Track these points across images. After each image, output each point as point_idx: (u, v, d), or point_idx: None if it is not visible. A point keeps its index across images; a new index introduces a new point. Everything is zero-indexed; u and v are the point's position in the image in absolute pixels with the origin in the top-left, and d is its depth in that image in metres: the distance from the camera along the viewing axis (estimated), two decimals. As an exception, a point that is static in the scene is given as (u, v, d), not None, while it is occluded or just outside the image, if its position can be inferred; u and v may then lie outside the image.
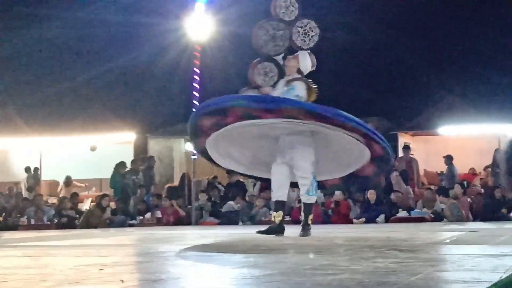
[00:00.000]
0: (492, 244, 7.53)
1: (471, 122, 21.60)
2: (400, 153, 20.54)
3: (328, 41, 25.11)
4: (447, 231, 11.26)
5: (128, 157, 21.96)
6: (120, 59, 25.41)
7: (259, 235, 9.56)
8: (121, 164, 20.66)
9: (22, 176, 23.62)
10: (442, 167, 21.25)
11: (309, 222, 9.76)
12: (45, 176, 23.32)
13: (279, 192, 9.53)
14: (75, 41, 26.85)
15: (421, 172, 20.68)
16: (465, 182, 19.37)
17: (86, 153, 23.25)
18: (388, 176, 18.39)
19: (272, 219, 9.75)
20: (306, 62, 9.63)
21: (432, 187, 18.77)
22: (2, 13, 25.96)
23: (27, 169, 22.41)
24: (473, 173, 20.27)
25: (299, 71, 9.60)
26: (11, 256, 7.57)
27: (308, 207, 9.74)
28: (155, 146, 23.35)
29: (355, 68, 26.58)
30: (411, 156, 19.70)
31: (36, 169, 22.41)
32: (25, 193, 21.72)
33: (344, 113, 8.94)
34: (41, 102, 24.70)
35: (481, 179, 19.37)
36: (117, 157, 21.10)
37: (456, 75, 24.85)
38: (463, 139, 21.98)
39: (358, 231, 12.30)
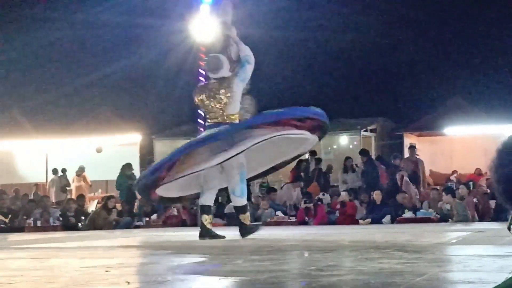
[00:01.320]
0: (498, 244, 7.52)
1: (477, 123, 21.57)
2: (406, 154, 20.52)
3: (334, 42, 25.21)
4: (453, 231, 11.26)
5: (134, 159, 21.96)
6: (125, 61, 25.45)
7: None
8: (127, 166, 20.66)
9: (28, 178, 23.66)
10: (448, 168, 21.23)
11: (245, 222, 9.85)
12: (51, 177, 23.30)
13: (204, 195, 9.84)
14: (80, 43, 26.91)
15: (427, 173, 20.64)
16: (471, 183, 19.33)
17: (92, 154, 23.23)
18: (393, 177, 18.38)
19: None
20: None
21: (438, 187, 18.73)
22: (8, 15, 26.02)
23: (55, 171, 22.42)
24: (478, 173, 20.21)
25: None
26: (18, 258, 7.58)
27: (238, 208, 9.89)
28: (161, 147, 23.33)
29: (360, 69, 26.60)
30: (417, 156, 19.68)
31: (64, 169, 22.44)
32: (54, 195, 21.75)
33: (270, 115, 9.30)
34: (46, 104, 24.74)
35: (486, 179, 19.33)
36: (123, 159, 21.10)
37: (462, 75, 24.84)
38: (468, 140, 21.95)
39: (364, 232, 12.30)
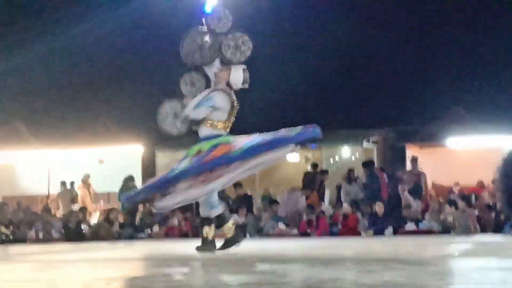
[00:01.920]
0: (501, 257, 7.50)
1: (479, 134, 21.54)
2: (408, 165, 20.47)
3: (335, 53, 25.21)
4: (455, 243, 11.23)
5: (136, 170, 21.92)
6: (127, 71, 25.46)
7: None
8: (129, 178, 20.65)
9: (30, 190, 23.62)
10: (450, 180, 21.17)
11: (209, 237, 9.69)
12: (53, 190, 23.28)
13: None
14: (83, 54, 26.90)
15: (429, 185, 20.60)
16: (473, 195, 19.29)
17: (94, 166, 23.22)
18: (396, 189, 18.35)
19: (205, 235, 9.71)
20: (237, 77, 9.49)
21: (440, 199, 18.71)
22: (10, 26, 26.04)
23: (63, 183, 22.40)
24: (481, 185, 20.17)
25: (228, 84, 9.54)
26: (20, 269, 7.57)
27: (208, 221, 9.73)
28: (163, 159, 23.31)
29: (362, 80, 26.57)
30: (419, 169, 19.66)
31: (72, 182, 22.44)
32: (62, 207, 21.73)
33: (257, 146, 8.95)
34: (48, 115, 24.72)
35: (489, 192, 19.30)
36: (125, 170, 21.09)
37: (464, 86, 24.81)
38: (471, 152, 21.90)
39: (366, 244, 12.28)
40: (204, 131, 9.41)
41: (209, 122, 9.36)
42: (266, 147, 8.93)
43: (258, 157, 8.92)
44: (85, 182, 22.22)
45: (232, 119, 9.54)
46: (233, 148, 8.93)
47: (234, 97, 9.52)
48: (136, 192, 9.65)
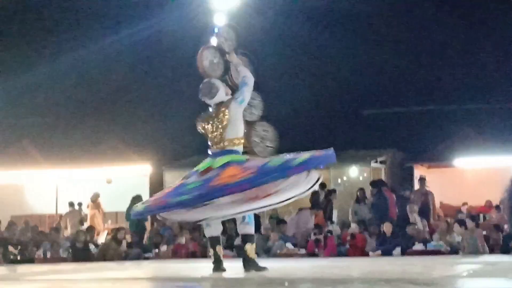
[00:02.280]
0: (509, 277, 7.47)
1: (487, 154, 21.51)
2: (416, 185, 20.44)
3: (343, 72, 25.24)
4: (464, 264, 11.19)
5: (144, 190, 21.94)
6: (135, 92, 25.55)
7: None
8: (137, 197, 20.65)
9: (38, 209, 23.67)
10: (458, 200, 21.13)
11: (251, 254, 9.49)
12: (60, 209, 23.30)
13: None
14: (91, 74, 26.99)
15: (437, 205, 20.56)
16: (481, 215, 19.24)
17: (102, 185, 23.24)
18: (404, 209, 18.31)
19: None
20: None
21: (448, 219, 18.66)
22: (17, 45, 26.16)
23: (71, 204, 22.43)
24: (489, 205, 20.12)
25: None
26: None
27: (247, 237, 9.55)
28: (171, 178, 23.30)
29: (369, 100, 26.59)
30: (427, 188, 19.63)
31: (80, 203, 22.48)
32: (70, 228, 21.73)
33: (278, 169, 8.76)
34: (56, 135, 24.80)
35: (497, 212, 19.24)
36: (133, 190, 21.10)
37: (472, 106, 24.80)
38: (479, 171, 21.87)
39: (374, 264, 12.24)
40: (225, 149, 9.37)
41: (226, 141, 9.33)
42: (281, 173, 8.75)
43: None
44: (95, 201, 22.21)
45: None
46: (244, 172, 8.80)
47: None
48: (147, 210, 9.54)
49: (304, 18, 24.86)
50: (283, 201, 8.67)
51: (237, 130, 9.37)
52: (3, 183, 23.88)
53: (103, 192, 22.71)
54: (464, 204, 20.79)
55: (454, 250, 16.38)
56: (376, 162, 23.07)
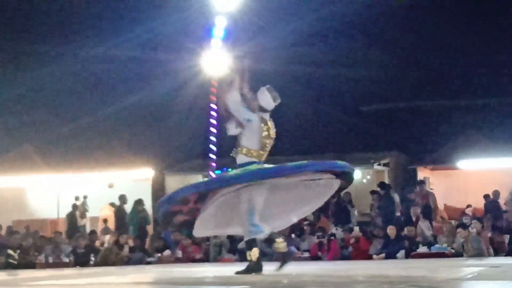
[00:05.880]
0: (515, 280, 7.40)
1: (491, 156, 21.45)
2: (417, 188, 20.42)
3: (345, 76, 25.21)
4: (468, 266, 11.11)
5: (146, 194, 21.90)
6: (136, 96, 25.50)
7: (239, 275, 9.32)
8: (139, 201, 20.63)
9: (39, 214, 23.67)
10: (463, 202, 21.06)
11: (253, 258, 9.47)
12: (62, 213, 23.25)
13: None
14: (92, 78, 27.00)
15: (441, 207, 20.51)
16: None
17: (104, 190, 23.20)
18: (408, 211, 18.27)
19: (248, 257, 9.47)
20: (267, 98, 9.53)
21: (452, 221, 18.60)
22: (19, 51, 26.15)
23: (77, 198, 22.48)
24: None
25: (261, 108, 9.54)
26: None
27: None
28: (173, 182, 23.29)
29: (373, 103, 26.57)
30: (428, 189, 19.61)
31: (85, 196, 22.54)
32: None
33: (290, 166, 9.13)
34: (58, 140, 24.76)
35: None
36: (134, 194, 21.07)
37: (475, 108, 24.76)
38: (483, 173, 21.80)
39: (378, 267, 12.17)
40: (239, 159, 9.45)
41: (244, 149, 9.34)
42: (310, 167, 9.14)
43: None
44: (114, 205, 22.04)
45: (268, 147, 9.53)
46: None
47: (269, 124, 9.54)
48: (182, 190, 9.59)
49: (306, 18, 24.83)
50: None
51: (251, 143, 9.57)
52: (4, 187, 23.84)
53: (105, 197, 22.67)
54: (468, 206, 20.73)
55: (458, 253, 16.31)
56: (380, 164, 23.02)
